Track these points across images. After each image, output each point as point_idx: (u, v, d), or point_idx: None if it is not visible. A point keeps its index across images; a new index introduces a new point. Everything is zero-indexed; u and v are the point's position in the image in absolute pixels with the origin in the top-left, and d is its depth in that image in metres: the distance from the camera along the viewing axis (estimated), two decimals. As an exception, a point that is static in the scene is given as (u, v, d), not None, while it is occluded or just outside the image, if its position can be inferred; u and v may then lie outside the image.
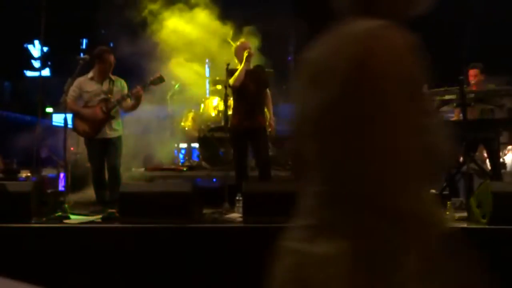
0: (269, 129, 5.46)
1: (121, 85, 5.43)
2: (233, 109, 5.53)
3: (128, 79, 5.74)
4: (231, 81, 5.21)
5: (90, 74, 5.36)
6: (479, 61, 6.00)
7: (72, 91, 5.21)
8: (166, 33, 6.59)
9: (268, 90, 5.51)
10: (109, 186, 5.27)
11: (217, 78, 6.95)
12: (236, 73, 5.21)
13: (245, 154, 5.41)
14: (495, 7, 11.52)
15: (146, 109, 5.89)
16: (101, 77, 5.34)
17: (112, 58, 5.35)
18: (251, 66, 5.40)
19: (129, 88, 5.42)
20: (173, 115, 7.19)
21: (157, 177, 6.25)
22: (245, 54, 5.23)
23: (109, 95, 5.29)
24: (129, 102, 5.36)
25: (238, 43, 5.46)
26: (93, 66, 5.36)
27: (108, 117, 5.28)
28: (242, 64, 5.23)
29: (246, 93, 5.26)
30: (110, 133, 5.31)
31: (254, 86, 5.29)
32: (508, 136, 6.92)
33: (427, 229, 1.27)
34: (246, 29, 6.44)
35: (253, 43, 5.82)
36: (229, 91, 5.44)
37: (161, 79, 5.41)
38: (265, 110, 5.50)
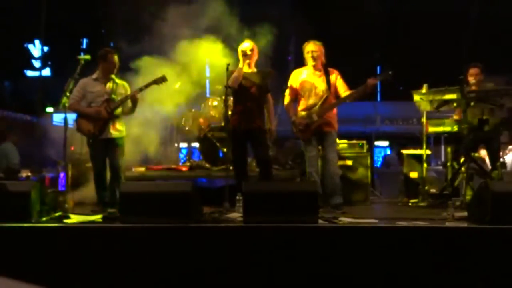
0: (269, 135, 5.45)
1: (124, 87, 5.47)
2: (232, 110, 5.55)
3: (129, 78, 5.75)
4: (229, 81, 5.24)
5: (94, 75, 5.39)
6: (479, 61, 6.00)
7: (76, 91, 5.25)
8: (167, 33, 6.58)
9: (269, 95, 5.53)
10: (110, 186, 5.28)
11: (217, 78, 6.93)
12: (234, 74, 5.24)
13: (244, 154, 5.42)
14: (495, 8, 11.53)
15: (146, 109, 5.89)
16: (105, 78, 5.37)
17: (116, 58, 5.38)
18: (254, 69, 5.44)
19: (131, 90, 5.45)
20: (173, 115, 7.18)
21: (157, 177, 6.25)
22: (240, 55, 5.27)
23: (113, 96, 5.31)
24: (129, 104, 5.39)
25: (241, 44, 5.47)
26: (97, 66, 5.39)
27: (112, 117, 5.30)
28: (239, 65, 5.27)
29: (245, 94, 5.29)
30: (114, 133, 5.33)
31: (254, 88, 5.32)
32: (508, 136, 6.93)
33: None
34: (249, 29, 6.42)
35: (260, 43, 5.82)
36: (230, 91, 5.45)
37: (163, 79, 5.43)
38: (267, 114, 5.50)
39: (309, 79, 5.43)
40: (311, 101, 5.37)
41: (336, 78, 5.45)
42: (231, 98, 5.70)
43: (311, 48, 5.40)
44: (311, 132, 5.35)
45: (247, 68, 5.36)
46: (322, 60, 5.47)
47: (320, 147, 5.48)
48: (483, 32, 11.94)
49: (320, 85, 5.38)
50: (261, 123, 5.36)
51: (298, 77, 5.51)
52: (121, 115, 5.42)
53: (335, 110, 5.48)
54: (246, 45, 5.37)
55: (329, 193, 5.30)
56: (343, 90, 5.44)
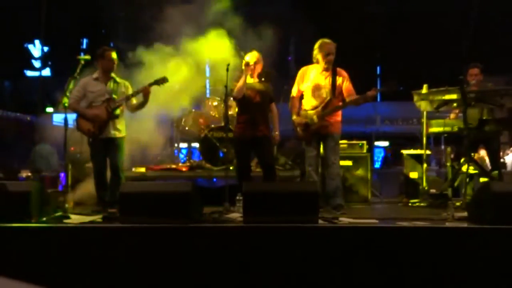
0: (273, 142, 5.49)
1: (124, 86, 5.47)
2: (236, 118, 5.56)
3: (129, 79, 5.75)
4: (233, 92, 5.29)
5: (95, 75, 5.39)
6: (479, 61, 6.00)
7: (76, 91, 5.25)
8: (168, 34, 6.59)
9: (273, 105, 5.54)
10: (110, 186, 5.27)
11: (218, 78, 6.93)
12: (238, 85, 5.26)
13: (248, 162, 5.50)
14: (495, 8, 11.52)
15: (146, 109, 5.88)
16: (105, 77, 5.37)
17: (114, 56, 5.37)
18: (257, 79, 5.45)
19: (133, 89, 5.45)
20: (173, 115, 7.18)
21: (157, 177, 6.25)
22: (243, 65, 5.29)
23: (114, 95, 5.31)
24: (133, 102, 5.39)
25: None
26: (96, 66, 5.39)
27: (112, 116, 5.30)
28: (242, 76, 5.28)
29: (249, 104, 5.33)
30: (114, 133, 5.33)
31: (257, 97, 5.34)
32: (508, 136, 6.93)
33: None
34: (249, 29, 6.41)
35: (259, 43, 5.83)
36: (230, 91, 5.44)
37: (164, 80, 5.43)
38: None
39: (315, 79, 5.34)
40: (314, 102, 5.30)
41: (343, 80, 5.28)
42: (231, 98, 5.71)
43: (330, 50, 5.21)
44: (310, 133, 5.31)
45: (250, 78, 5.36)
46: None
47: (321, 148, 5.46)
48: (483, 32, 11.93)
49: (325, 86, 5.28)
50: (266, 131, 5.37)
51: (304, 76, 5.39)
52: (121, 115, 5.41)
53: (339, 113, 5.35)
54: (251, 56, 5.36)
55: (330, 194, 5.27)
56: (347, 94, 5.26)
